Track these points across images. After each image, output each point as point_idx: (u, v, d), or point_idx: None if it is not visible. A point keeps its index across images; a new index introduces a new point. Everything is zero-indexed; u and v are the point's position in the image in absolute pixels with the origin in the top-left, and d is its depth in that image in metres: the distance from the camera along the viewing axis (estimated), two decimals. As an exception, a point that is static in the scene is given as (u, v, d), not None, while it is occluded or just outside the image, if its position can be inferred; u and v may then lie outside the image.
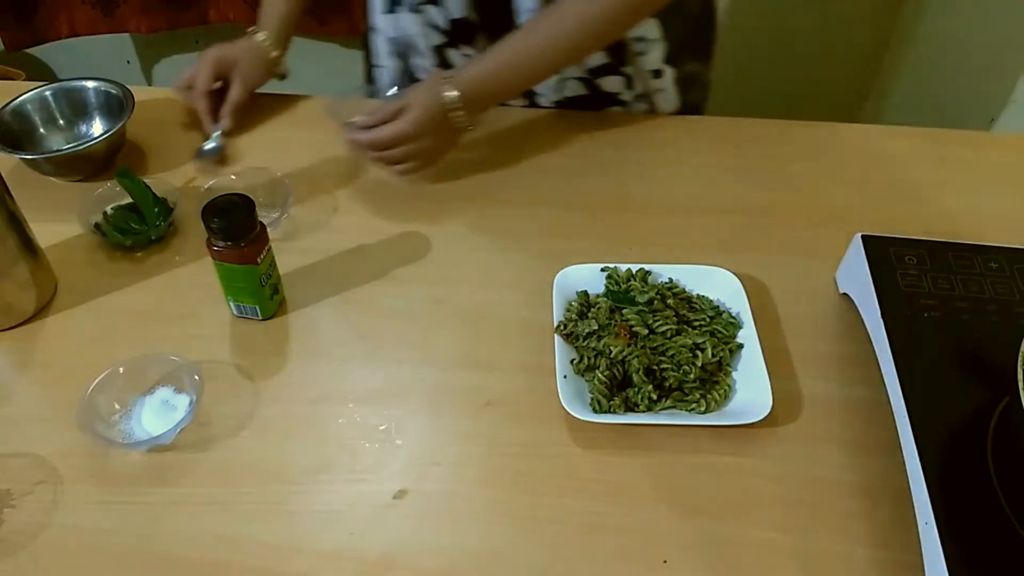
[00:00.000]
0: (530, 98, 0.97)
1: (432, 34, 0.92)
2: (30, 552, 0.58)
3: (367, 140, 0.80)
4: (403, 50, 0.97)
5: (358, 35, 1.71)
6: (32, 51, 1.81)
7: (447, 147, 0.84)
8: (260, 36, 0.93)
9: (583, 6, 0.77)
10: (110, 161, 0.89)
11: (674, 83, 0.94)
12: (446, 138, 0.83)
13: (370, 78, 1.05)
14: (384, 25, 0.97)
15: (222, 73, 0.92)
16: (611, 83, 0.93)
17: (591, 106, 0.96)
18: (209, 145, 0.91)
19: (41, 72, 1.91)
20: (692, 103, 0.99)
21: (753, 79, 1.78)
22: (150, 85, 1.95)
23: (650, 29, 0.87)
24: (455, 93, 0.78)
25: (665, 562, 0.57)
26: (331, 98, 0.91)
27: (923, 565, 0.54)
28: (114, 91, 0.91)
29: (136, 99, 0.90)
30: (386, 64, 1.00)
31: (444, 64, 0.95)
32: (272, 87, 1.01)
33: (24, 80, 1.57)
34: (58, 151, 0.87)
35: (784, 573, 0.57)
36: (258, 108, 0.96)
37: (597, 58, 0.89)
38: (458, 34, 0.90)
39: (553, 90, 0.94)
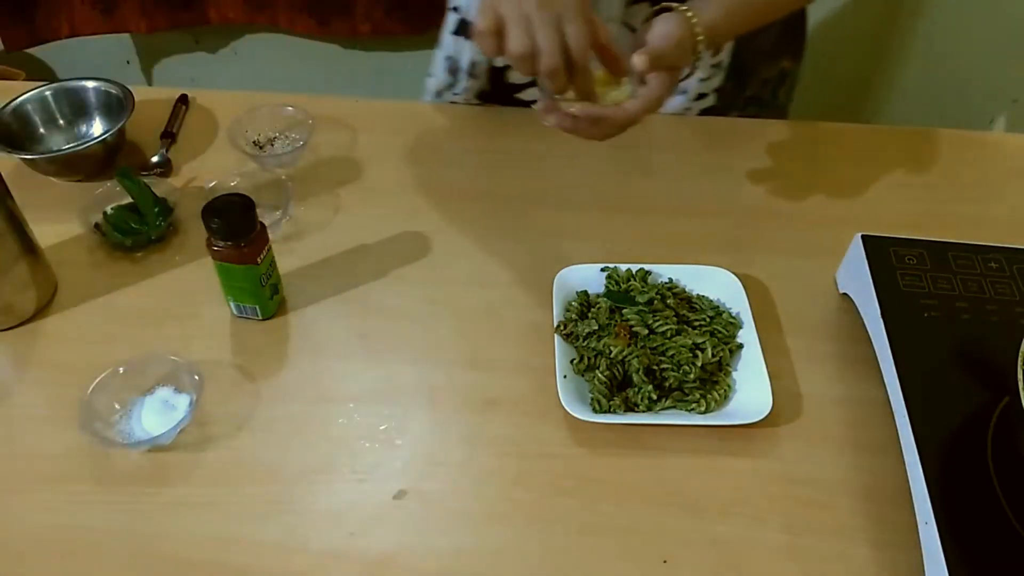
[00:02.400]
0: None
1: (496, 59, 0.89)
2: (30, 552, 0.58)
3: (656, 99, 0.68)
4: (456, 68, 0.97)
5: (358, 35, 1.72)
6: (32, 51, 1.81)
7: None
8: None
9: None
10: (110, 161, 0.89)
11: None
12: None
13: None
14: (446, 43, 0.96)
15: None
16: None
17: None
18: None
19: (41, 72, 1.91)
20: (782, 104, 1.01)
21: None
22: (150, 85, 1.95)
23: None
24: (703, 47, 0.69)
25: (665, 562, 0.57)
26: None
27: (923, 565, 0.54)
28: (114, 91, 0.91)
29: (136, 99, 0.90)
30: (437, 76, 0.99)
31: (498, 85, 0.93)
32: (271, 88, 1.01)
33: (24, 80, 1.57)
34: (58, 151, 0.87)
35: (784, 573, 0.57)
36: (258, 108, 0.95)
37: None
38: None
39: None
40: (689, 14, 0.68)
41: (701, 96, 0.94)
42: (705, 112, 0.95)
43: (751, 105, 0.97)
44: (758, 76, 0.94)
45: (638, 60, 0.62)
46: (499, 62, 0.90)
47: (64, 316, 0.74)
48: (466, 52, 0.93)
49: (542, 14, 0.56)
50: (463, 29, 0.93)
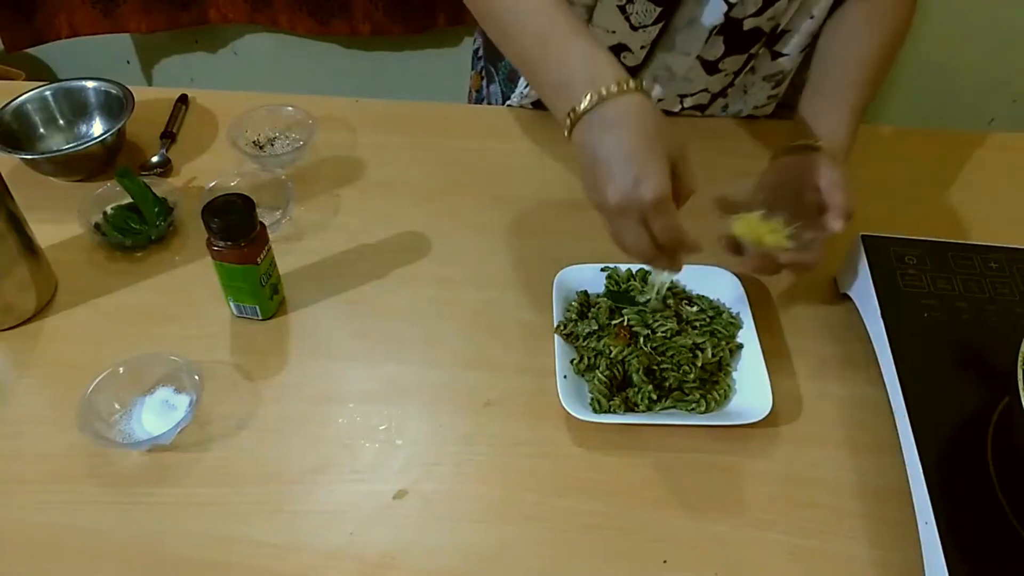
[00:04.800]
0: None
1: None
2: (30, 552, 0.58)
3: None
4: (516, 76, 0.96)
5: (358, 35, 1.71)
6: (32, 51, 1.80)
7: None
8: None
9: (883, 31, 0.76)
10: (110, 161, 0.89)
11: None
12: None
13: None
14: None
15: None
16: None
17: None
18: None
19: (41, 72, 1.91)
20: None
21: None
22: (150, 85, 1.95)
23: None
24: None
25: (665, 562, 0.57)
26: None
27: (923, 565, 0.54)
28: (114, 91, 0.91)
29: (136, 99, 0.90)
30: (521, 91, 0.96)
31: None
32: (271, 88, 1.01)
33: (24, 80, 1.57)
34: (58, 151, 0.87)
35: (784, 573, 0.57)
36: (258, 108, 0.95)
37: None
38: None
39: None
40: (835, 153, 0.70)
41: (751, 118, 0.95)
42: None
43: None
44: None
45: (839, 225, 0.66)
46: None
47: (64, 316, 0.74)
48: None
49: (624, 222, 0.60)
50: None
